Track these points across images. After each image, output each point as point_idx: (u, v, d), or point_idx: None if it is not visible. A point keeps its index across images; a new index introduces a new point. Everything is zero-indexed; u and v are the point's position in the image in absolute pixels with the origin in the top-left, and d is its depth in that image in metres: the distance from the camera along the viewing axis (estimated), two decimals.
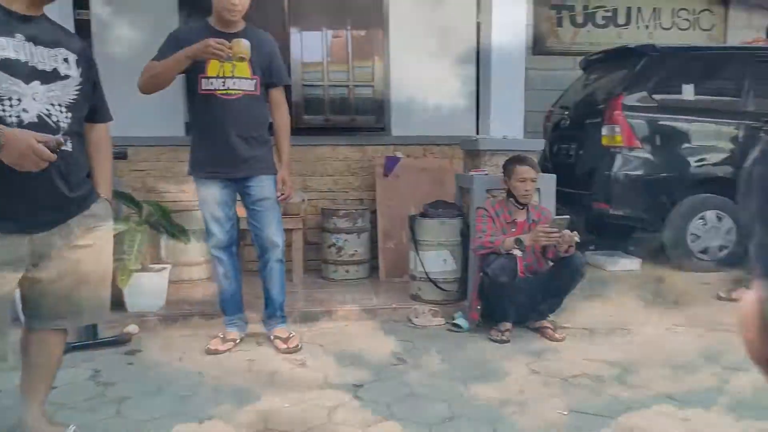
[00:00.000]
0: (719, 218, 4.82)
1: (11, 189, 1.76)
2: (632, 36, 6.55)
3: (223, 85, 2.95)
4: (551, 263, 3.37)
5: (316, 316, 3.62)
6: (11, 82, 1.74)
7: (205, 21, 3.01)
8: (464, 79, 4.81)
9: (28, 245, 1.85)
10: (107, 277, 2.12)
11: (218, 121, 2.97)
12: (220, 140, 2.98)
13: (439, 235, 3.65)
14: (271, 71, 3.06)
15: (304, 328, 3.46)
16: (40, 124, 1.79)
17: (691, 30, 6.62)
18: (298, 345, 3.14)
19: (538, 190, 3.57)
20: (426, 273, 3.67)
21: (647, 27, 6.60)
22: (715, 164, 4.86)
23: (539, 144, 3.71)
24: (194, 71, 2.92)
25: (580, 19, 6.49)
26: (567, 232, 3.05)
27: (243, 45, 2.75)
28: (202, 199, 3.10)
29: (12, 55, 1.75)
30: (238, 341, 3.21)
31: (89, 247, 1.99)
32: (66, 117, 1.86)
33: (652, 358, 3.01)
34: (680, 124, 4.85)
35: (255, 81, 3.00)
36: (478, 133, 4.90)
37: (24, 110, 1.76)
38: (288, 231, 3.71)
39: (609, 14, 6.53)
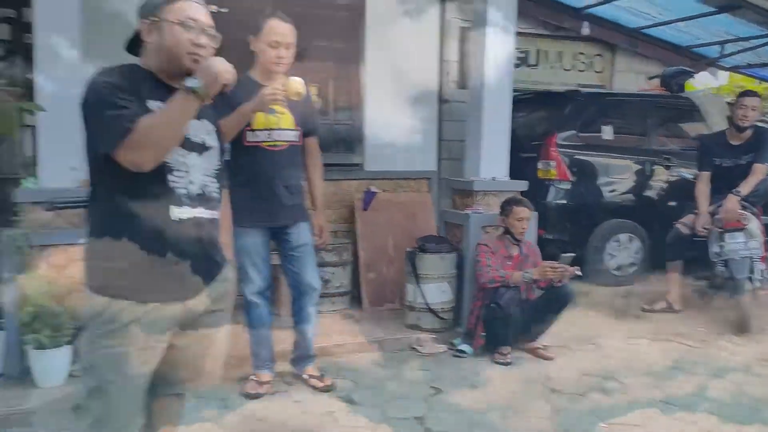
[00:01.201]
0: (630, 240, 5.71)
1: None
2: (540, 75, 7.41)
3: (269, 137, 3.02)
4: (542, 291, 3.87)
5: (329, 351, 3.77)
6: (179, 154, 1.71)
7: (246, 75, 3.02)
8: (426, 118, 5.22)
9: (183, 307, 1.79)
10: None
11: (264, 173, 3.03)
12: (266, 191, 3.04)
13: (439, 268, 3.99)
14: (306, 121, 3.17)
15: (323, 364, 3.59)
16: (203, 197, 1.78)
17: (587, 71, 7.64)
18: (333, 382, 3.30)
19: None
20: (427, 304, 3.98)
21: (552, 68, 7.50)
22: (624, 194, 5.75)
23: (523, 185, 4.20)
24: None
25: None
26: (569, 267, 3.56)
27: (297, 83, 2.76)
28: (241, 248, 3.08)
29: None
30: (270, 383, 3.29)
31: (222, 311, 1.98)
32: (216, 187, 1.86)
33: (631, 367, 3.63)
34: (600, 159, 5.67)
35: (298, 132, 3.10)
36: (439, 168, 5.35)
37: (191, 182, 1.75)
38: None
39: (522, 55, 7.32)
